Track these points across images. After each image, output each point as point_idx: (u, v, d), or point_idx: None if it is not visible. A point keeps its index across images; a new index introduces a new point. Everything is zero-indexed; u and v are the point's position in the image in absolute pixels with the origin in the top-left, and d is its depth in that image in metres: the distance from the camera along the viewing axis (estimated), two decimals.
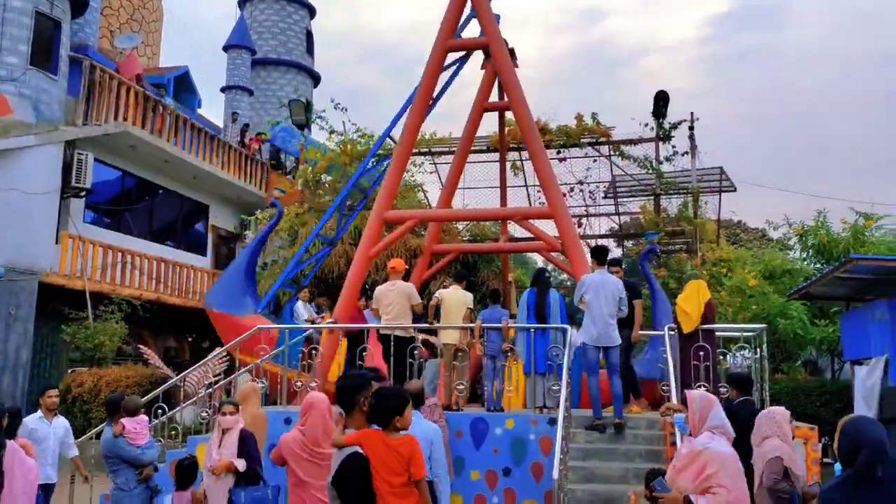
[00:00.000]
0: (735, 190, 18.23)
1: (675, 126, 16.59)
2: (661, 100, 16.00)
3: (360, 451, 4.17)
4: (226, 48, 27.52)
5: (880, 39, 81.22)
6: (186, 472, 6.91)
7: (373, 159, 14.67)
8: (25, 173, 14.90)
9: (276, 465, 5.37)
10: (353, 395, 4.42)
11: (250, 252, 13.10)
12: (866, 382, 8.80)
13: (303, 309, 12.82)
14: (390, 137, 14.12)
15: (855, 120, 78.36)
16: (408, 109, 13.24)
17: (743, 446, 5.88)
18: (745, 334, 9.58)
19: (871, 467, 3.10)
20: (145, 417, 7.60)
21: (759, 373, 9.21)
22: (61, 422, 8.38)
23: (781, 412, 5.28)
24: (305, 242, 14.58)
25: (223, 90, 27.33)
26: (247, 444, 6.48)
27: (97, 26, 20.44)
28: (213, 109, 41.00)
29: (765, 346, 9.27)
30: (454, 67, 13.76)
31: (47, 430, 8.05)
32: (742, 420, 6.34)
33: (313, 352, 10.22)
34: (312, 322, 12.34)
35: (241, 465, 6.32)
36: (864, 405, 8.84)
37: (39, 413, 8.16)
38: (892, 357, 8.33)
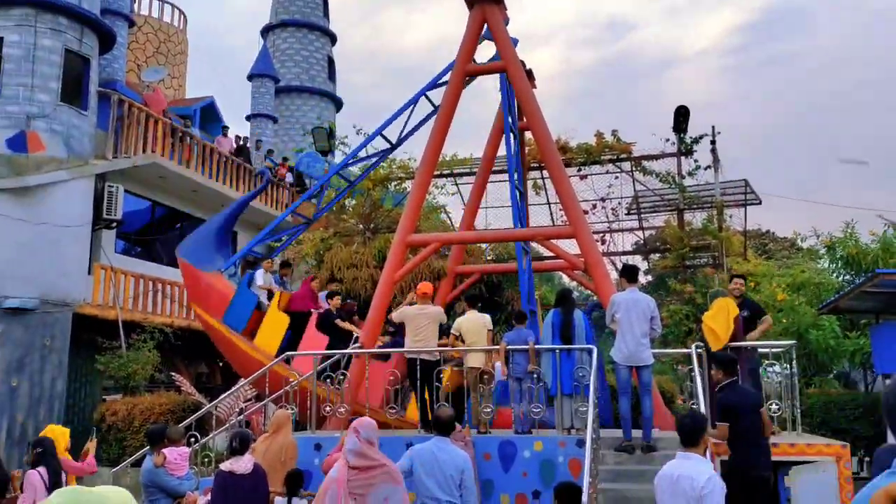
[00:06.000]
0: (760, 203, 18.12)
1: (696, 140, 16.55)
2: (682, 115, 15.98)
3: None
4: (250, 77, 27.98)
5: None
6: None
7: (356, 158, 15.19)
8: (58, 207, 15.27)
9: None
10: None
11: (231, 211, 13.33)
12: None
13: (260, 277, 12.61)
14: (383, 136, 14.20)
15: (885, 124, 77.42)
16: (404, 112, 13.67)
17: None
18: (774, 350, 9.53)
19: None
20: (187, 448, 7.74)
21: (790, 389, 9.16)
22: None
23: None
24: (281, 216, 15.09)
25: (248, 118, 27.75)
26: None
27: (124, 61, 20.88)
28: None
29: (794, 362, 9.21)
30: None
31: None
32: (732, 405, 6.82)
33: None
34: (269, 291, 12.45)
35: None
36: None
37: None
38: None
